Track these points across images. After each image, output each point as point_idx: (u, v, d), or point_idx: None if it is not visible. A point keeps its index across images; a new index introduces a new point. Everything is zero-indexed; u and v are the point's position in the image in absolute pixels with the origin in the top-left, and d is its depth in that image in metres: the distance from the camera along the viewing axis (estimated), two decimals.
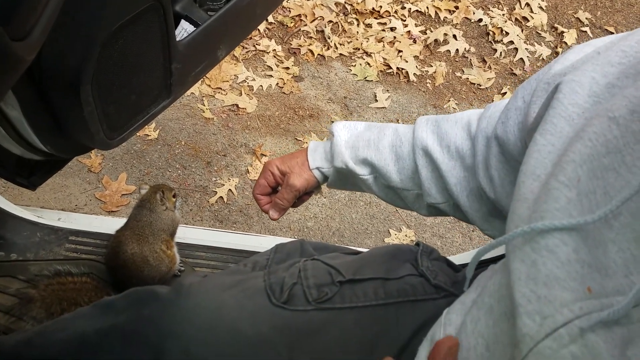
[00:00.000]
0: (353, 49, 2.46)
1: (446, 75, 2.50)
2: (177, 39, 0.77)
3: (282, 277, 0.80)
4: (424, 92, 2.43)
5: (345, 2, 2.56)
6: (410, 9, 2.62)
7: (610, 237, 0.43)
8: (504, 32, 2.66)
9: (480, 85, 2.50)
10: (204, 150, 2.02)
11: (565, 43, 2.68)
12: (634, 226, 0.42)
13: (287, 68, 2.33)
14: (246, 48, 2.35)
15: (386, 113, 2.32)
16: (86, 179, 1.86)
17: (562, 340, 0.42)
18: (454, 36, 2.61)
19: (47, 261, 1.29)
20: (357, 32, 2.51)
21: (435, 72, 2.48)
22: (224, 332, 0.76)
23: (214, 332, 0.76)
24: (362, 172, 0.80)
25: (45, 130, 0.72)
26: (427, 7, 2.64)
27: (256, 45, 2.35)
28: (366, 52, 2.47)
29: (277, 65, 2.32)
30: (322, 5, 2.51)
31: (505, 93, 2.49)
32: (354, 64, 2.43)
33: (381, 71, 2.44)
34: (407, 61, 2.47)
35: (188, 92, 2.11)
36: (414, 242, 0.87)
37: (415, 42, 2.54)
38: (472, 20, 2.68)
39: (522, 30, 2.70)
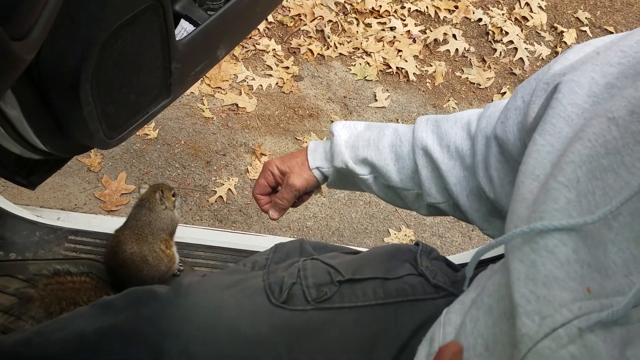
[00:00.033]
0: (353, 48, 2.46)
1: (446, 75, 2.50)
2: (177, 39, 0.77)
3: (282, 277, 0.80)
4: (423, 91, 2.43)
5: (345, 2, 2.55)
6: (409, 8, 2.62)
7: (610, 238, 0.43)
8: (503, 31, 2.66)
9: (480, 85, 2.50)
10: (203, 149, 2.02)
11: (565, 43, 2.68)
12: (633, 226, 0.43)
13: (287, 67, 2.33)
14: (246, 47, 2.34)
15: (386, 112, 2.32)
16: (85, 178, 1.86)
17: (561, 340, 0.42)
18: (454, 36, 2.61)
19: (46, 260, 1.29)
20: (357, 31, 2.50)
21: (434, 72, 2.48)
22: (223, 331, 0.76)
23: (213, 331, 0.76)
24: (362, 171, 0.80)
25: (44, 129, 0.72)
26: (427, 7, 2.64)
27: (256, 45, 2.35)
28: (366, 52, 2.47)
29: (277, 65, 2.32)
30: (321, 4, 2.51)
31: (505, 93, 2.49)
32: (353, 63, 2.43)
33: (381, 71, 2.43)
34: (406, 61, 2.47)
35: (188, 92, 2.10)
36: (414, 242, 0.87)
37: (414, 41, 2.54)
38: (472, 20, 2.68)
39: (521, 30, 2.70)
